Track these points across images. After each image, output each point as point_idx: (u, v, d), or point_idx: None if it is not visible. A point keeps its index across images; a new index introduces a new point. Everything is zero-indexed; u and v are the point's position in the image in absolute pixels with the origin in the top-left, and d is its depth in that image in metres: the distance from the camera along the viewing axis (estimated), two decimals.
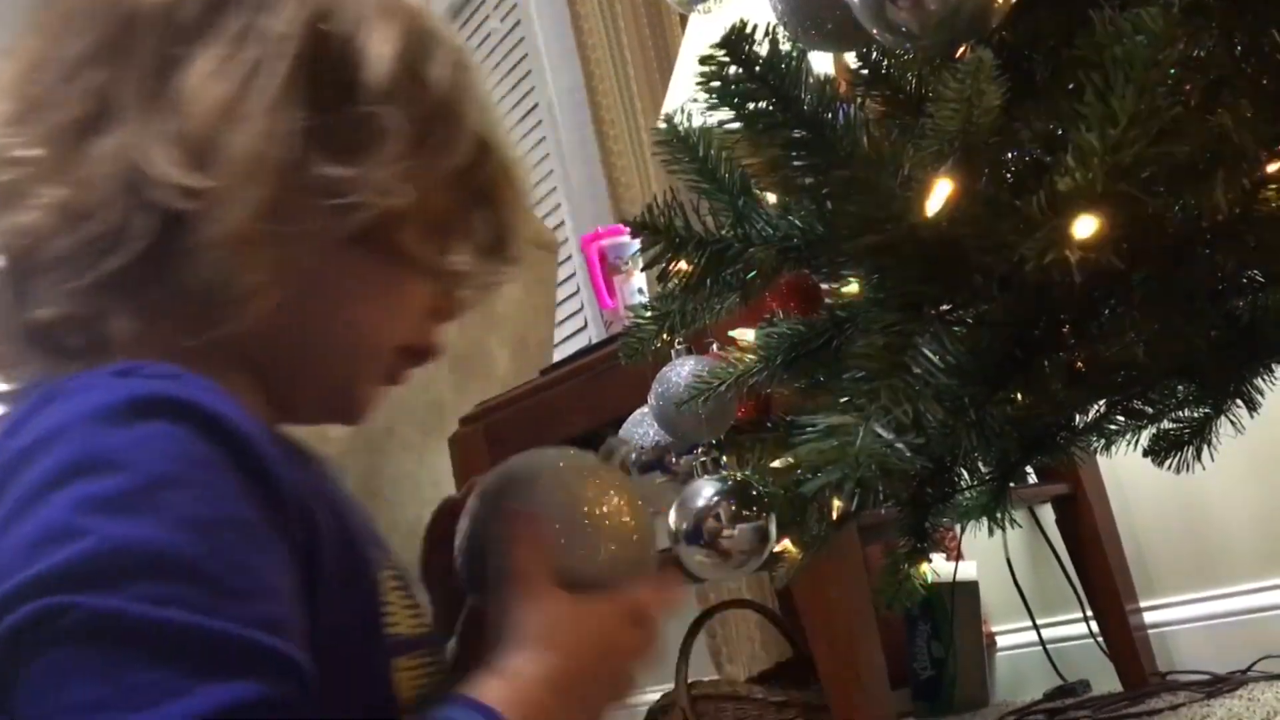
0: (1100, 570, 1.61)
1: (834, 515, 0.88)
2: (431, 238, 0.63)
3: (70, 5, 0.61)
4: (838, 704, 1.27)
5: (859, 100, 0.78)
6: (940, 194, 0.64)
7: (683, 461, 0.93)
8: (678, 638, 1.57)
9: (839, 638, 1.27)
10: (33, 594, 0.46)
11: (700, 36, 1.72)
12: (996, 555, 1.76)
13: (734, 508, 0.84)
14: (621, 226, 1.16)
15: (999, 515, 0.95)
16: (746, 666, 2.15)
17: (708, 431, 0.86)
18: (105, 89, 0.58)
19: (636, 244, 0.75)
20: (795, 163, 0.67)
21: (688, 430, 0.86)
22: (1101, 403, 0.90)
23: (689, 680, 1.53)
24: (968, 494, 0.95)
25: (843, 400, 0.68)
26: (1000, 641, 1.89)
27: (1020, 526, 1.71)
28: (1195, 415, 0.91)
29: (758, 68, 0.64)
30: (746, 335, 0.82)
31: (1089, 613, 1.65)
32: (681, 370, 0.84)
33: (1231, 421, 0.91)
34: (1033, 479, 1.54)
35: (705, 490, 0.85)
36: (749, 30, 0.64)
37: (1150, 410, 0.90)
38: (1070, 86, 0.64)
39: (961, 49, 0.64)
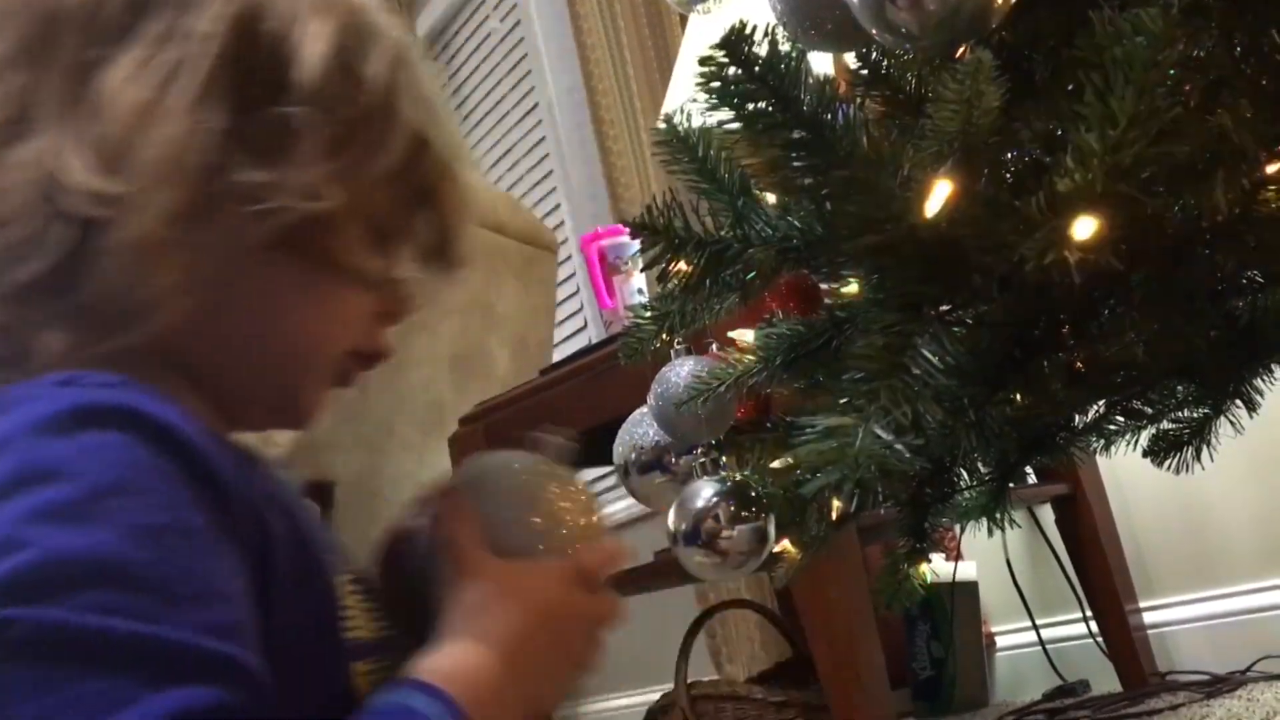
0: (1100, 570, 1.61)
1: (833, 516, 0.88)
2: (370, 241, 0.62)
3: None
4: (837, 704, 1.27)
5: (858, 100, 0.78)
6: (940, 194, 0.64)
7: (682, 462, 0.93)
8: (677, 638, 1.57)
9: (839, 638, 1.27)
10: None
11: (700, 36, 1.72)
12: (996, 555, 1.76)
13: (733, 508, 0.84)
14: (621, 227, 1.17)
15: (998, 515, 0.95)
16: (746, 666, 2.15)
17: (707, 432, 0.86)
18: (25, 93, 0.56)
19: (636, 244, 0.75)
20: (795, 163, 0.67)
21: (687, 431, 0.86)
22: (1101, 403, 0.90)
23: (689, 680, 1.53)
24: (967, 494, 0.95)
25: (842, 401, 0.68)
26: (1000, 642, 1.89)
27: (1020, 527, 1.71)
28: (1195, 415, 0.91)
29: (757, 68, 0.64)
30: (746, 336, 0.82)
31: (1088, 613, 1.65)
32: (681, 371, 0.84)
33: (1231, 422, 0.91)
34: (1032, 479, 1.54)
35: (704, 491, 0.85)
36: (748, 31, 0.64)
37: (1150, 410, 0.90)
38: (1070, 87, 0.64)
39: (961, 49, 0.64)
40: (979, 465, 0.94)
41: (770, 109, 0.65)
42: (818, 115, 0.65)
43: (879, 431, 0.64)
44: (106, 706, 0.44)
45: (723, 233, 0.73)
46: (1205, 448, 0.93)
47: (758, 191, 0.74)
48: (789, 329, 0.80)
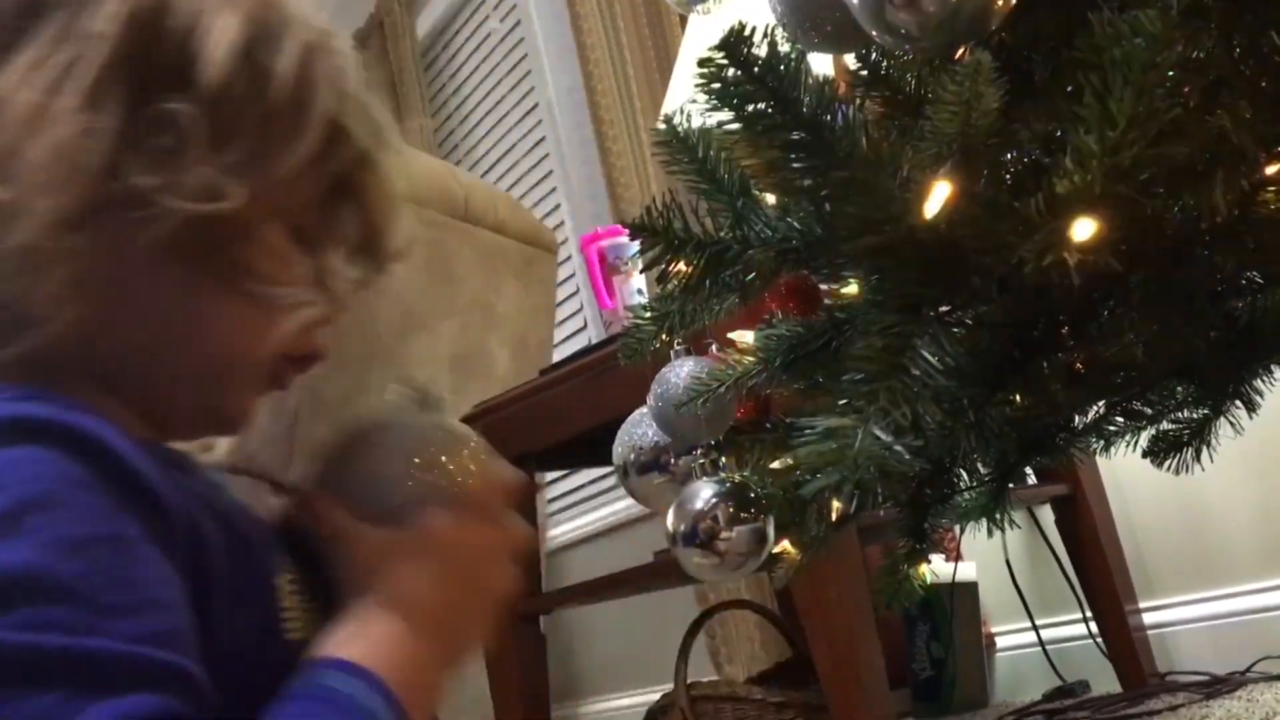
0: (1099, 571, 1.61)
1: (833, 516, 0.88)
2: (291, 240, 0.60)
3: None
4: (837, 704, 1.27)
5: (858, 102, 0.78)
6: (939, 195, 0.64)
7: (681, 463, 0.93)
8: (677, 638, 1.57)
9: (838, 638, 1.27)
10: None
11: (700, 37, 1.72)
12: (996, 556, 1.76)
13: (732, 509, 0.84)
14: (621, 227, 1.17)
15: (998, 516, 0.95)
16: (746, 667, 2.15)
17: (706, 433, 0.86)
18: None
19: (636, 245, 0.75)
20: (794, 164, 0.67)
21: (686, 431, 0.86)
22: (1101, 404, 0.90)
23: (688, 680, 1.53)
24: (967, 495, 0.95)
25: (841, 402, 0.68)
26: (1000, 642, 1.89)
27: (1019, 527, 1.71)
28: (1194, 416, 0.91)
29: (757, 69, 0.64)
30: (745, 337, 0.82)
31: (1088, 613, 1.65)
32: (680, 371, 0.84)
33: (1231, 422, 0.91)
34: (1032, 480, 1.55)
35: (704, 492, 0.85)
36: (748, 32, 0.64)
37: (1149, 411, 0.90)
38: (1069, 88, 0.64)
39: (960, 51, 0.64)
40: (979, 466, 0.94)
41: (770, 110, 0.65)
42: (817, 116, 0.65)
43: (878, 432, 0.64)
44: None
45: (722, 233, 0.73)
46: (1205, 448, 0.93)
47: (757, 192, 0.74)
48: (789, 330, 0.80)
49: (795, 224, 0.71)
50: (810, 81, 0.65)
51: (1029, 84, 0.69)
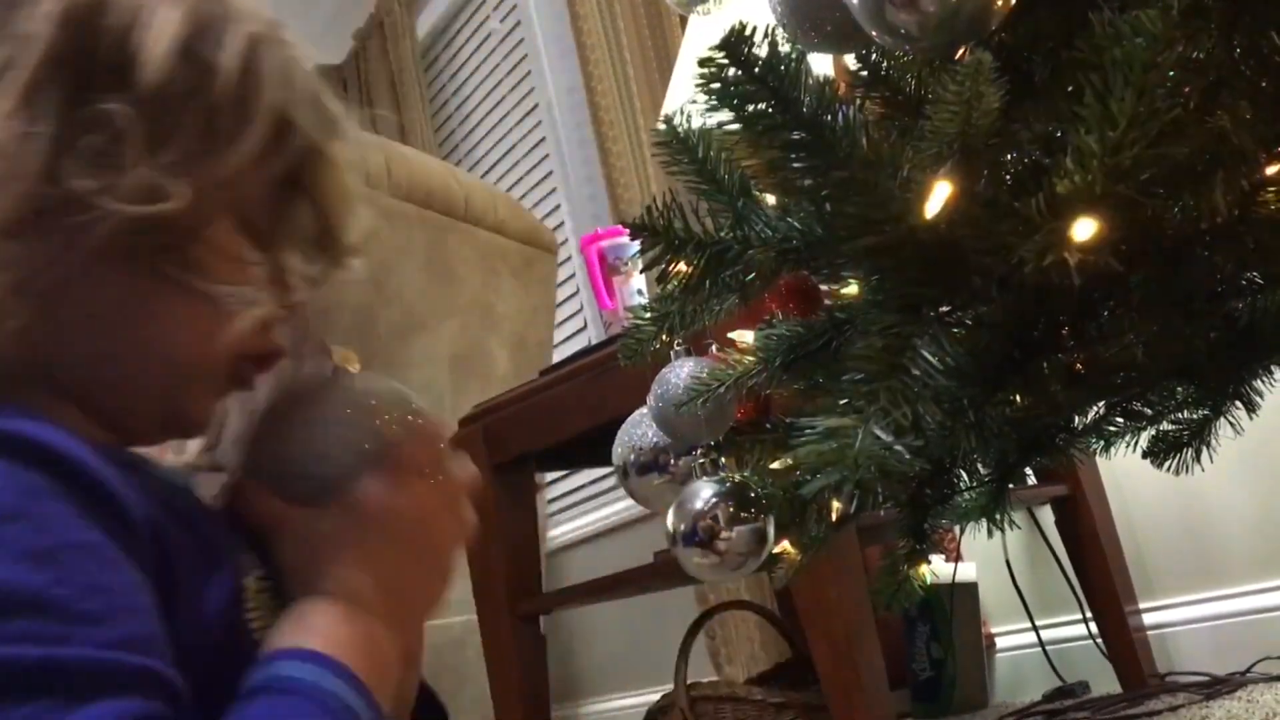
0: (1099, 571, 1.61)
1: (833, 517, 0.88)
2: (244, 237, 0.59)
3: None
4: (837, 705, 1.27)
5: (858, 102, 0.78)
6: (939, 196, 0.64)
7: (681, 463, 0.93)
8: (677, 638, 1.57)
9: (838, 638, 1.27)
10: None
11: (700, 37, 1.72)
12: (996, 556, 1.76)
13: (732, 509, 0.83)
14: (621, 227, 1.17)
15: (998, 516, 0.95)
16: (745, 667, 2.15)
17: (706, 433, 0.86)
18: None
19: (636, 245, 0.75)
20: (794, 164, 0.67)
21: (686, 432, 0.86)
22: (1100, 404, 0.90)
23: (688, 681, 1.53)
24: (967, 495, 0.95)
25: (842, 402, 0.67)
26: (999, 643, 1.89)
27: (1019, 528, 1.71)
28: (1194, 417, 0.91)
29: (757, 69, 0.64)
30: (745, 337, 0.82)
31: (1088, 614, 1.65)
32: (680, 372, 0.84)
33: (1230, 423, 0.91)
34: (1032, 480, 1.54)
35: (703, 492, 0.85)
36: (748, 32, 0.64)
37: (1149, 412, 0.90)
38: (1069, 88, 0.64)
39: (961, 51, 0.64)
40: (978, 466, 0.94)
41: (770, 110, 0.65)
42: (817, 116, 0.65)
43: (878, 433, 0.64)
44: None
45: (722, 234, 0.73)
46: (1205, 449, 0.93)
47: (757, 193, 0.74)
48: (789, 330, 0.80)
49: (795, 224, 0.71)
50: (810, 82, 0.65)
51: (1029, 84, 0.69)
